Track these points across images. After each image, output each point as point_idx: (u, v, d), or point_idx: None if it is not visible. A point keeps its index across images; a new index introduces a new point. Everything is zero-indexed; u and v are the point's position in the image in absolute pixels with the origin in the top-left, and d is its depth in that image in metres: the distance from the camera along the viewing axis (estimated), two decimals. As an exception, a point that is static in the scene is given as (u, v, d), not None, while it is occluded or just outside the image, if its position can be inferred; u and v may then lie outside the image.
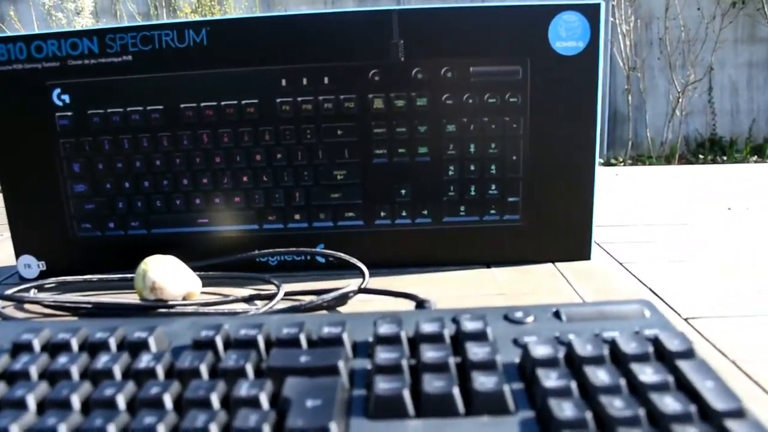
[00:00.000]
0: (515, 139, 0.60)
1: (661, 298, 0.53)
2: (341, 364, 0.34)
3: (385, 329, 0.37)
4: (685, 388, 0.32)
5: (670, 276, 0.58)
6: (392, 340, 0.36)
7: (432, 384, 0.31)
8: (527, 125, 0.60)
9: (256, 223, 0.64)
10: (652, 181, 1.05)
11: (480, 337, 0.37)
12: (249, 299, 0.57)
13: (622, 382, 0.32)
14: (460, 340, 0.37)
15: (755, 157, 3.45)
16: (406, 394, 0.30)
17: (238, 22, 0.60)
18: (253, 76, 0.61)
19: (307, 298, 0.53)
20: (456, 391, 0.31)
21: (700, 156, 3.60)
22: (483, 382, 0.32)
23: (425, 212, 0.62)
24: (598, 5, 0.57)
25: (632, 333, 0.36)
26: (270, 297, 0.55)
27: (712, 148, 3.69)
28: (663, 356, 0.35)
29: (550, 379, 0.32)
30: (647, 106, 3.64)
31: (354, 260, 0.59)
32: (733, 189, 0.98)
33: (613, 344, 0.36)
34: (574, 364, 0.34)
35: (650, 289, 0.55)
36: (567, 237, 0.62)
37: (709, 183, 1.04)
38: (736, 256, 0.64)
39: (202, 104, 0.62)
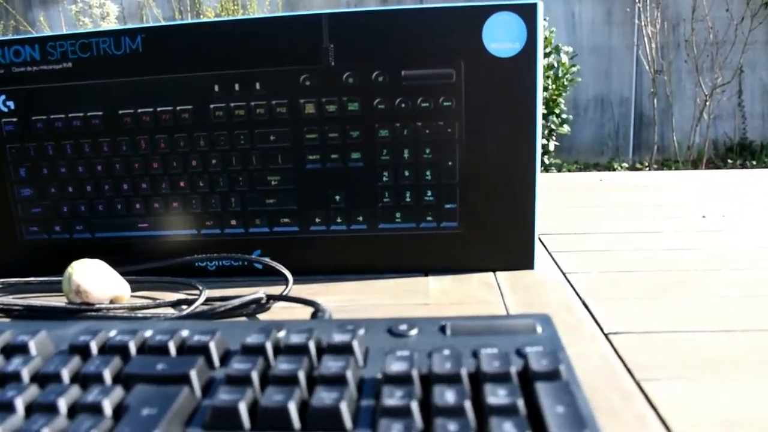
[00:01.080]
0: (450, 144, 0.58)
1: (590, 311, 0.51)
2: (193, 374, 0.33)
3: (252, 339, 0.37)
4: (537, 411, 0.30)
5: (611, 288, 0.56)
6: (254, 351, 0.35)
7: (271, 397, 0.30)
8: (462, 130, 0.58)
9: (194, 228, 0.64)
10: (638, 187, 1.02)
11: (343, 350, 0.36)
12: (176, 304, 0.56)
13: (467, 403, 0.30)
14: (321, 352, 0.36)
15: (787, 162, 3.34)
16: (242, 407, 0.29)
17: (171, 29, 0.60)
18: (186, 83, 0.60)
19: (218, 305, 0.52)
20: (292, 406, 0.29)
21: (729, 161, 3.49)
22: (322, 397, 0.31)
23: (360, 218, 0.61)
24: (534, 5, 0.55)
25: (504, 351, 0.34)
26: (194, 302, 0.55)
27: (741, 153, 3.58)
28: (526, 376, 0.33)
29: (392, 398, 0.31)
30: (674, 110, 3.55)
31: (279, 266, 0.58)
32: (725, 195, 0.94)
33: (478, 362, 0.34)
34: (428, 381, 0.33)
35: (583, 302, 0.53)
36: (508, 246, 0.60)
37: (703, 189, 1.00)
38: (688, 269, 0.60)
39: (139, 110, 0.62)
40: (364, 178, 0.60)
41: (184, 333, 0.38)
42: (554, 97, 3.41)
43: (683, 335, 0.46)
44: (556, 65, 3.41)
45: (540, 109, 0.58)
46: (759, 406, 0.36)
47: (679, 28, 3.52)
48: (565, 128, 3.47)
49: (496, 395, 0.31)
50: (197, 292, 0.59)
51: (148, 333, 0.38)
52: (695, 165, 3.41)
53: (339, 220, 0.61)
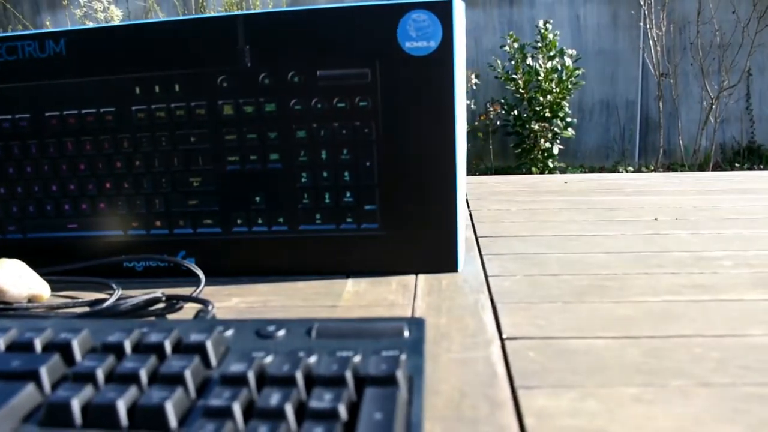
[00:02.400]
0: (367, 145, 0.58)
1: (496, 316, 0.50)
2: (43, 370, 0.33)
3: (112, 338, 0.37)
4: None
5: (529, 292, 0.54)
6: (111, 349, 0.36)
7: (104, 395, 0.30)
8: (380, 130, 0.57)
9: (121, 229, 0.63)
10: (604, 189, 1.00)
11: (194, 349, 0.35)
12: (92, 303, 0.56)
13: (288, 407, 0.29)
14: (170, 352, 0.35)
15: (795, 166, 3.27)
16: (75, 404, 0.29)
17: (93, 32, 0.60)
18: (109, 85, 0.60)
19: (113, 304, 0.51)
20: (120, 404, 0.29)
21: (736, 164, 3.43)
22: (150, 396, 0.30)
23: (281, 220, 0.60)
24: (449, 3, 0.54)
25: (344, 356, 0.34)
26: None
27: (749, 156, 3.52)
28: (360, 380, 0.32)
29: (218, 398, 0.30)
30: (681, 113, 3.50)
31: (192, 266, 0.58)
32: (696, 197, 0.92)
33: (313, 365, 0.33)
34: (263, 383, 0.32)
35: (493, 306, 0.52)
36: (431, 248, 0.59)
37: (676, 191, 0.98)
38: (615, 273, 0.59)
39: (65, 112, 0.62)
40: (283, 179, 0.59)
41: (49, 332, 0.38)
42: (558, 100, 3.38)
43: (583, 342, 0.44)
44: (559, 68, 3.38)
45: (460, 108, 0.58)
46: (625, 417, 0.35)
47: (685, 30, 3.47)
48: (570, 132, 3.44)
49: (321, 399, 0.30)
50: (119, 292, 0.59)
51: (16, 332, 0.38)
52: (702, 169, 3.36)
53: (260, 221, 0.61)
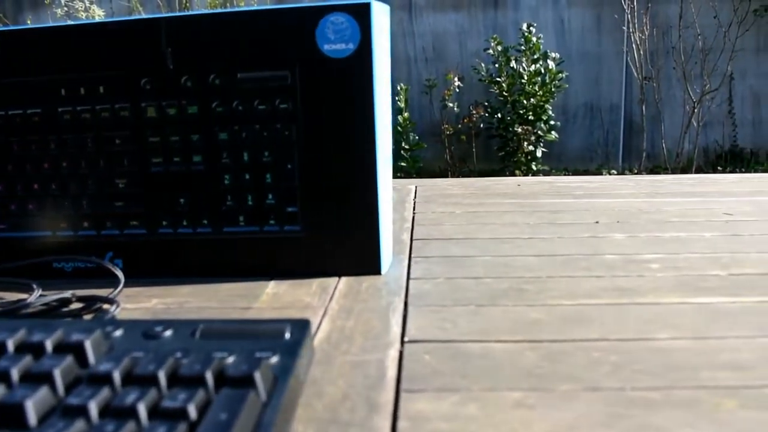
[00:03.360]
0: (288, 147, 0.58)
1: (404, 319, 0.50)
2: None
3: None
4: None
5: (446, 295, 0.55)
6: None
7: None
8: (300, 132, 0.57)
9: (49, 229, 0.63)
10: (556, 192, 1.00)
11: (70, 349, 0.36)
12: (11, 303, 0.56)
13: (141, 406, 0.29)
14: (51, 351, 0.35)
15: (777, 170, 3.29)
16: None
17: (19, 33, 0.60)
18: (35, 86, 0.60)
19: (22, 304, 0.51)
20: None
21: (719, 168, 3.45)
22: (14, 393, 0.31)
23: (205, 222, 0.60)
24: (367, 5, 0.55)
25: (210, 356, 0.34)
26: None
27: (732, 160, 3.53)
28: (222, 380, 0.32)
29: (77, 397, 0.31)
30: (664, 117, 3.52)
31: (112, 267, 0.58)
32: (650, 200, 0.92)
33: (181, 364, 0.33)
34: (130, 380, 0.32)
35: (405, 309, 0.52)
36: (354, 250, 0.59)
37: (630, 194, 0.98)
38: (538, 276, 0.59)
39: (-8, 112, 0.62)
40: (206, 181, 0.59)
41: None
42: (541, 103, 3.39)
43: (483, 345, 0.44)
44: (543, 71, 3.39)
45: (383, 110, 0.58)
46: (500, 422, 0.35)
47: (668, 35, 3.49)
48: (553, 135, 3.44)
49: (174, 399, 0.30)
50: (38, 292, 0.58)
51: None
52: (685, 172, 3.37)
53: (185, 223, 0.60)
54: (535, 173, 3.44)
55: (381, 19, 0.57)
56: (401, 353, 0.44)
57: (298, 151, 0.58)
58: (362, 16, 0.55)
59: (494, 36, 3.41)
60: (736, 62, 3.42)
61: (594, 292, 0.55)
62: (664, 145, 3.50)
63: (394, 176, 2.81)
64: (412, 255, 0.67)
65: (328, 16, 0.55)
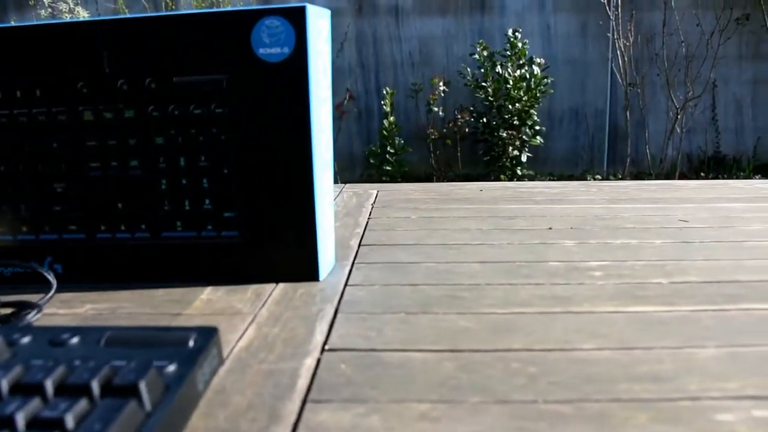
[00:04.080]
0: (225, 152, 0.57)
1: (331, 326, 0.49)
2: None
3: None
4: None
5: (378, 303, 0.54)
6: None
7: None
8: (236, 137, 0.57)
9: (-12, 234, 0.62)
10: (515, 197, 1.00)
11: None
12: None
13: (20, 414, 0.29)
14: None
15: (759, 176, 3.30)
16: None
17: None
18: (-28, 86, 0.60)
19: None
20: None
21: (702, 174, 3.46)
22: None
23: (143, 226, 0.60)
24: (302, 9, 0.54)
25: (97, 364, 0.33)
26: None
27: (715, 167, 3.55)
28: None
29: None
30: (648, 123, 3.53)
31: (45, 272, 0.57)
32: (609, 205, 0.92)
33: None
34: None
35: (334, 316, 0.51)
36: (292, 256, 0.59)
37: (589, 200, 0.98)
38: (476, 283, 0.59)
39: (-70, 114, 0.61)
40: (143, 185, 0.59)
41: None
42: (527, 108, 3.39)
43: (402, 355, 0.44)
44: (528, 77, 3.39)
45: (320, 115, 0.57)
46: None
47: (653, 41, 3.50)
48: (538, 139, 3.45)
49: (54, 408, 0.30)
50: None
51: None
52: (668, 178, 3.38)
53: (123, 228, 0.60)
54: (520, 178, 3.44)
55: (318, 23, 0.57)
56: (318, 362, 0.43)
57: (235, 156, 0.57)
58: (298, 20, 0.54)
59: (480, 41, 3.41)
60: (719, 69, 3.44)
61: (529, 300, 0.55)
62: (648, 150, 3.51)
63: (380, 180, 2.79)
64: (356, 261, 0.66)
65: (263, 20, 0.55)
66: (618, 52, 3.43)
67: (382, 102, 3.42)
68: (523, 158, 3.45)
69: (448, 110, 3.57)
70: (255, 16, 0.55)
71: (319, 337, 0.47)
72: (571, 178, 3.62)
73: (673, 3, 3.34)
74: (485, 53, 3.40)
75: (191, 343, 0.37)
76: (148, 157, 0.58)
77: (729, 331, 0.48)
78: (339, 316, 0.51)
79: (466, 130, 3.57)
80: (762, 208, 0.93)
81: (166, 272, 0.60)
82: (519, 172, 3.45)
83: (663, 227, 0.81)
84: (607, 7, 3.41)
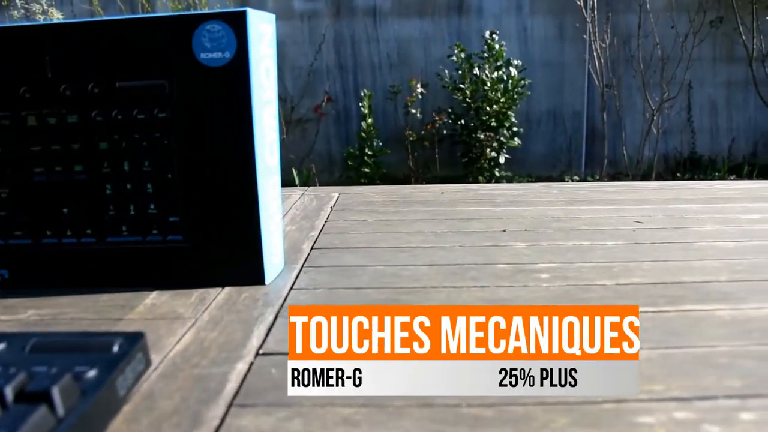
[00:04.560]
0: (168, 156, 0.57)
1: (269, 330, 0.49)
2: None
3: None
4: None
5: (320, 307, 0.54)
6: None
7: None
8: (180, 141, 0.57)
9: (-67, 240, 0.62)
10: (476, 200, 1.01)
11: None
12: None
13: None
14: None
15: (733, 176, 3.35)
16: None
17: None
18: None
19: None
20: None
21: (678, 174, 3.50)
22: None
23: (89, 231, 0.59)
24: (243, 13, 0.54)
25: (38, 370, 0.33)
26: None
27: (691, 167, 3.59)
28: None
29: None
30: (625, 124, 3.57)
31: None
32: (567, 207, 0.93)
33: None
34: None
35: (274, 320, 0.52)
36: (237, 261, 0.59)
37: (548, 202, 0.99)
38: (423, 287, 0.59)
39: None
40: (88, 190, 0.59)
41: None
42: (504, 110, 3.42)
43: (335, 360, 0.44)
44: (505, 78, 3.42)
45: (264, 119, 0.57)
46: None
47: (630, 43, 3.54)
48: (516, 141, 3.47)
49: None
50: None
51: None
52: (645, 178, 3.41)
53: (69, 233, 0.60)
54: (498, 179, 3.46)
55: (261, 27, 0.57)
56: (250, 366, 0.43)
57: (178, 161, 0.57)
58: (239, 24, 0.55)
59: (457, 43, 3.43)
60: (694, 71, 3.48)
61: (471, 302, 0.55)
62: (625, 151, 3.54)
63: (358, 182, 2.79)
64: (305, 265, 0.67)
65: (204, 25, 0.55)
66: (594, 53, 3.46)
67: (361, 104, 3.42)
68: (501, 160, 3.47)
69: (426, 112, 3.58)
70: (196, 20, 0.55)
71: (255, 341, 0.47)
72: (549, 179, 3.65)
73: (648, 5, 3.38)
74: (462, 55, 3.42)
75: (115, 349, 0.38)
76: (93, 162, 0.58)
77: (664, 333, 0.49)
78: (279, 320, 0.51)
79: (444, 132, 3.59)
80: (717, 209, 0.94)
81: (113, 277, 0.60)
82: (497, 174, 3.48)
83: (617, 229, 0.82)
84: (584, 9, 3.44)
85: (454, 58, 3.43)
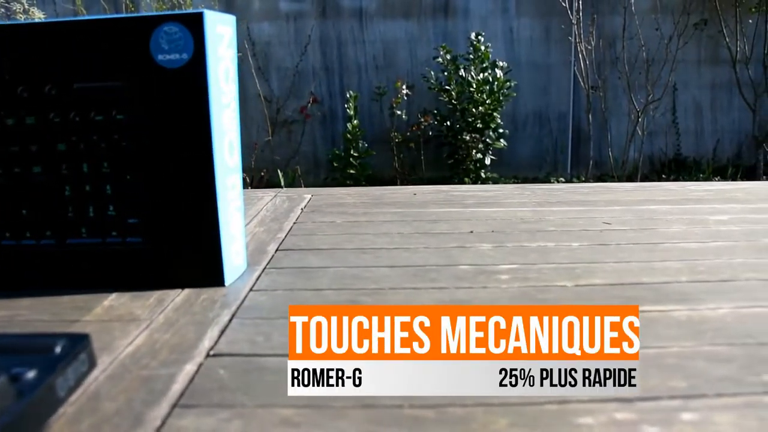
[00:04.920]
0: (127, 158, 0.57)
1: (222, 332, 0.49)
2: None
3: None
4: None
5: (276, 308, 0.55)
6: None
7: None
8: (138, 143, 0.57)
9: None
10: (448, 201, 1.01)
11: None
12: None
13: None
14: None
15: (718, 178, 3.37)
16: None
17: None
18: None
19: None
20: None
21: (663, 176, 3.52)
22: None
23: (49, 233, 0.59)
24: (200, 15, 0.54)
25: None
26: None
27: (677, 168, 3.61)
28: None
29: None
30: (610, 125, 3.58)
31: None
32: (537, 208, 0.93)
33: None
34: None
35: (229, 321, 0.52)
36: (196, 261, 0.59)
37: (520, 203, 0.99)
38: (381, 289, 0.60)
39: None
40: (47, 192, 0.59)
41: None
42: (490, 111, 3.42)
43: (283, 360, 0.44)
44: (491, 80, 3.42)
45: (223, 120, 0.57)
46: None
47: (615, 45, 3.55)
48: (501, 142, 3.48)
49: None
50: None
51: None
52: (630, 180, 3.43)
53: (28, 234, 0.60)
54: (484, 181, 3.47)
55: (219, 29, 0.57)
56: (199, 367, 0.43)
57: (137, 163, 0.57)
58: (196, 26, 0.55)
59: (443, 45, 3.43)
60: (679, 73, 3.50)
61: (428, 303, 0.56)
62: (610, 153, 3.55)
63: (344, 184, 2.77)
64: (268, 266, 0.67)
65: (161, 27, 0.55)
66: (579, 55, 3.47)
67: (346, 105, 3.42)
68: (487, 161, 3.47)
69: (412, 114, 3.58)
70: (153, 22, 0.55)
71: (207, 342, 0.47)
72: (535, 180, 3.66)
73: (633, 8, 3.39)
74: (448, 56, 3.42)
75: (57, 350, 0.38)
76: (51, 164, 0.58)
77: (617, 333, 0.49)
78: (234, 321, 0.51)
79: (430, 133, 3.59)
80: (686, 210, 0.95)
81: (71, 278, 0.60)
82: (483, 175, 3.48)
83: (584, 230, 0.83)
84: (569, 12, 3.46)
85: (440, 59, 3.43)
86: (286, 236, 0.79)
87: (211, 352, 0.46)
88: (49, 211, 0.59)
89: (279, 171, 3.42)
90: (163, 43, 0.55)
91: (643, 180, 3.43)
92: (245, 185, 2.88)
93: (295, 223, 0.86)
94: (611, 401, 0.39)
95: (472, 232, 0.81)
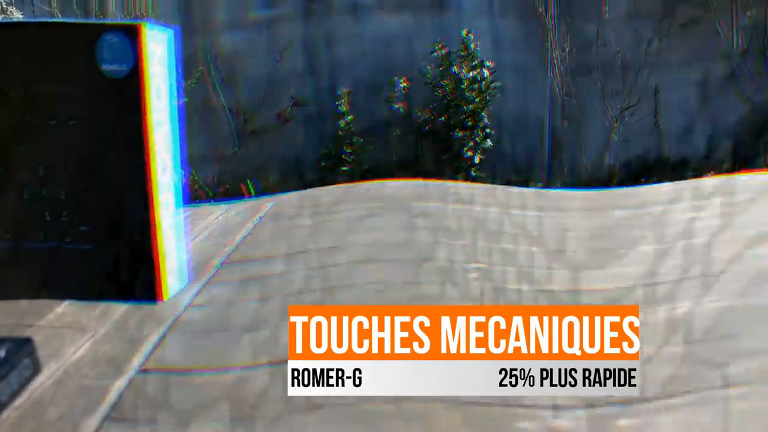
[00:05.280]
0: (77, 164, 0.57)
1: (157, 347, 0.50)
2: None
3: None
4: None
5: (214, 323, 0.56)
6: None
7: None
8: (86, 150, 0.57)
9: None
10: (423, 197, 1.02)
11: None
12: None
13: None
14: None
15: (711, 173, 3.38)
16: None
17: None
18: None
19: None
20: None
21: (642, 179, 3.54)
22: None
23: (8, 236, 0.59)
24: (137, 27, 0.55)
25: None
26: None
27: (658, 170, 3.63)
28: None
29: None
30: (586, 131, 3.60)
31: None
32: (504, 210, 0.94)
33: None
34: None
35: (161, 337, 0.52)
36: (137, 275, 0.59)
37: (489, 205, 1.00)
38: (316, 291, 0.60)
39: None
40: (3, 195, 0.58)
41: None
42: (478, 110, 3.42)
43: (225, 375, 0.45)
44: (479, 79, 3.42)
45: (160, 131, 0.58)
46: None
47: (590, 51, 3.57)
48: (488, 143, 3.48)
49: None
50: None
51: None
52: (606, 184, 3.45)
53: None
54: (473, 179, 3.46)
55: (158, 39, 0.57)
56: (130, 382, 0.44)
57: (85, 170, 0.57)
58: (135, 37, 0.55)
59: (438, 41, 3.43)
60: (662, 74, 3.50)
61: (380, 304, 0.56)
62: (586, 159, 3.57)
63: (336, 180, 2.75)
64: (211, 280, 0.67)
65: (104, 36, 0.55)
66: (555, 61, 3.49)
67: (337, 103, 3.40)
68: (476, 160, 3.47)
69: (407, 108, 3.57)
70: (97, 30, 0.55)
71: (140, 357, 0.48)
72: (516, 183, 3.67)
73: (607, 14, 3.41)
74: (443, 53, 3.42)
75: (0, 355, 0.38)
76: (6, 167, 0.58)
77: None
78: (169, 336, 0.52)
79: (425, 128, 3.58)
80: (650, 213, 0.96)
81: (29, 284, 0.60)
82: (473, 174, 3.47)
83: (545, 235, 0.84)
84: (545, 17, 3.47)
85: (436, 55, 3.42)
86: (235, 249, 0.79)
87: (142, 368, 0.46)
88: (7, 214, 0.59)
89: (248, 181, 3.38)
90: (106, 51, 0.55)
91: (620, 184, 3.45)
92: (207, 198, 2.87)
93: (247, 234, 0.86)
94: (550, 408, 0.39)
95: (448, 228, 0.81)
